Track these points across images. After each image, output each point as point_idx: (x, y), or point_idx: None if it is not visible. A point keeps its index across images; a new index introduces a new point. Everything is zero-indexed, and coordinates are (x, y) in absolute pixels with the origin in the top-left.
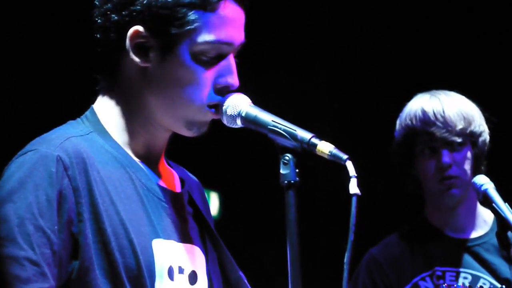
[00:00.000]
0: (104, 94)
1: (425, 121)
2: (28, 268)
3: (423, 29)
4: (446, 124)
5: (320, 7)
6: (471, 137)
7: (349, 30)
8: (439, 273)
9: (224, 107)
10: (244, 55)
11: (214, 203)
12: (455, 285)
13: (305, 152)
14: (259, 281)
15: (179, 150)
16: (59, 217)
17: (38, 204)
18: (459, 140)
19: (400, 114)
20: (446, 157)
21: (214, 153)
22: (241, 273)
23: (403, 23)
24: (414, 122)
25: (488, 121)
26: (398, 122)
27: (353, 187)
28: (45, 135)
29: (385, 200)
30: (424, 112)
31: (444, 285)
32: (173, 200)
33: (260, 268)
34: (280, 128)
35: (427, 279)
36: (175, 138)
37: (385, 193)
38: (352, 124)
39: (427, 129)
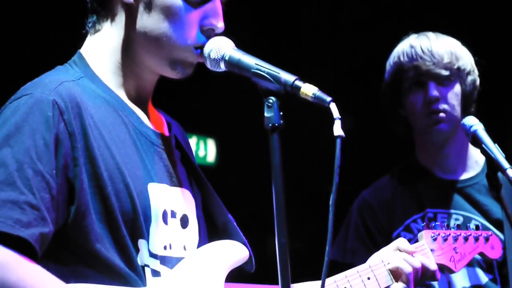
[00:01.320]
0: (90, 37)
1: (412, 55)
2: (29, 212)
3: None
4: (433, 57)
5: None
6: (458, 72)
7: None
8: (431, 215)
9: (207, 51)
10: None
11: (211, 149)
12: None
13: (288, 95)
14: (255, 226)
15: (175, 98)
16: (56, 162)
17: (36, 148)
18: (445, 73)
19: (390, 55)
20: (433, 90)
21: (210, 99)
22: (230, 216)
23: None
24: (401, 58)
25: (477, 64)
26: (387, 62)
27: (337, 129)
28: (37, 79)
29: (377, 143)
30: (411, 47)
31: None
32: (164, 143)
33: (255, 213)
34: (263, 71)
35: (419, 221)
36: (172, 87)
37: (377, 136)
38: (342, 69)
39: (413, 62)
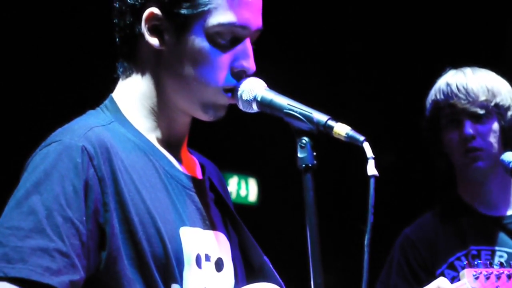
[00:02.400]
0: (122, 81)
1: (448, 93)
2: (59, 259)
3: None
4: (468, 95)
5: None
6: (496, 109)
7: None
8: (474, 252)
9: (239, 92)
10: (271, 39)
11: (252, 189)
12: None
13: (321, 135)
14: (293, 265)
15: (216, 137)
16: (86, 208)
17: (65, 195)
18: (481, 111)
19: (429, 92)
20: (468, 128)
21: (252, 139)
22: (265, 258)
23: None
24: (438, 96)
25: None
26: (427, 99)
27: (371, 169)
28: (67, 125)
29: (419, 179)
30: (447, 85)
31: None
32: (196, 186)
33: (297, 252)
34: (295, 111)
35: (462, 258)
36: (213, 127)
37: (419, 172)
38: (383, 103)
39: (449, 100)
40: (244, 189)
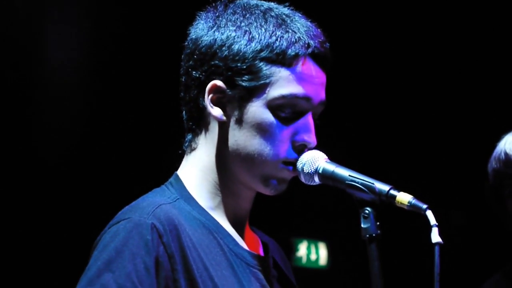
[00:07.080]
0: (187, 157)
1: (507, 163)
2: None
3: None
4: None
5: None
6: None
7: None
8: None
9: (300, 165)
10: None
11: (322, 253)
12: None
13: (384, 204)
14: None
15: (284, 202)
16: (158, 285)
17: (137, 272)
18: None
19: (490, 157)
20: None
21: (321, 203)
22: None
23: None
24: (498, 165)
25: None
26: (488, 165)
27: (435, 236)
28: (134, 203)
29: (487, 239)
30: (506, 154)
31: None
32: (260, 264)
33: None
34: (357, 182)
35: None
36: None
37: (486, 232)
38: (451, 162)
39: (508, 171)
40: (314, 253)
